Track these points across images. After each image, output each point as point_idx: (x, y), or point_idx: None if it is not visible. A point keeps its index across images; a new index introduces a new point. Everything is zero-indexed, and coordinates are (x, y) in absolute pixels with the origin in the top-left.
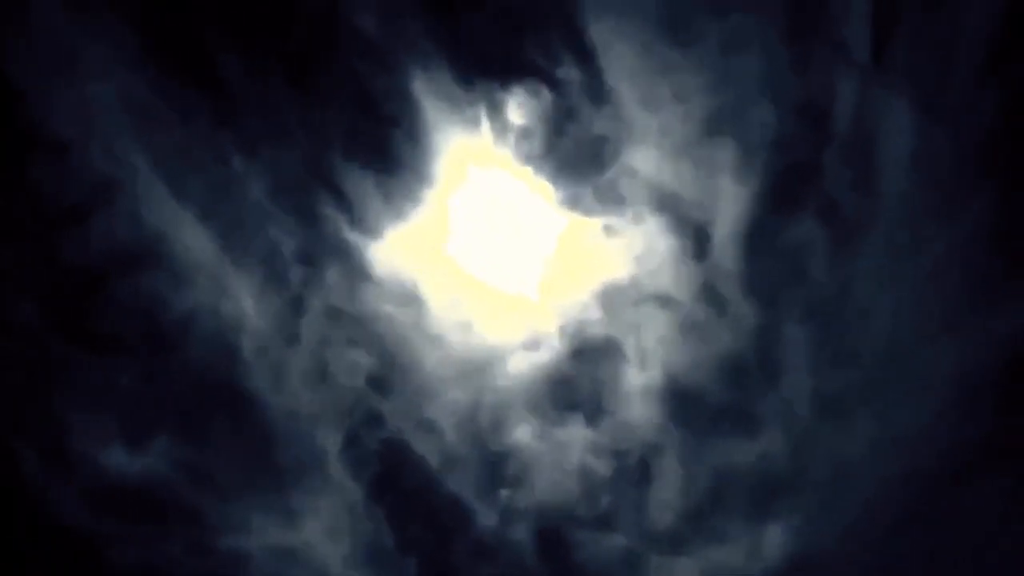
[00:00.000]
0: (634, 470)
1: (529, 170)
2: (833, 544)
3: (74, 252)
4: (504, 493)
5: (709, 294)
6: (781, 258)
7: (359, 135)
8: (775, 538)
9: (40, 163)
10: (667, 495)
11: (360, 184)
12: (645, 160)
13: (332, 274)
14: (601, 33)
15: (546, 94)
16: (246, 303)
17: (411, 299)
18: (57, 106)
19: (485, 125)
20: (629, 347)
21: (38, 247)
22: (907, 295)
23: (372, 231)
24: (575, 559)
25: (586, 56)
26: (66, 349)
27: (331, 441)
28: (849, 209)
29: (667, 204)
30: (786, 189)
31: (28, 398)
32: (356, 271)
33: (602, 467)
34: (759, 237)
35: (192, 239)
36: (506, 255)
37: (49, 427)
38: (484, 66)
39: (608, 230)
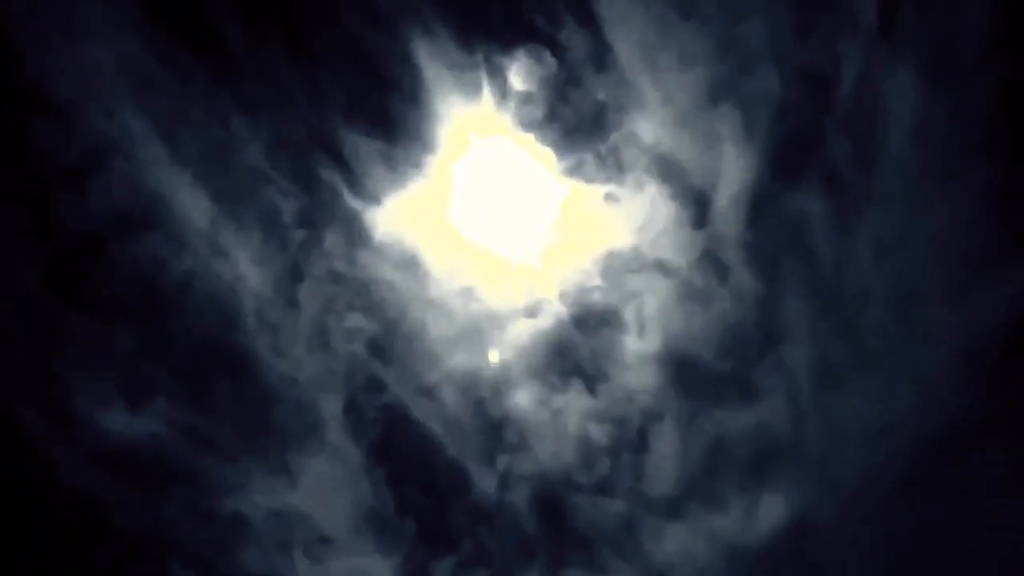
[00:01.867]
0: (633, 437)
1: (531, 137)
2: (830, 512)
3: (73, 215)
4: (503, 459)
5: (710, 262)
6: (782, 227)
7: (360, 99)
8: (772, 506)
9: (38, 126)
10: (665, 462)
11: (360, 149)
12: (647, 127)
13: (332, 239)
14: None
15: (549, 59)
16: (245, 267)
17: (412, 265)
18: (56, 69)
19: (487, 91)
20: (629, 315)
21: (37, 211)
22: (908, 266)
23: (373, 196)
24: (573, 524)
25: (589, 20)
26: (66, 312)
27: (331, 406)
28: (851, 178)
29: (669, 171)
30: (788, 157)
31: (29, 362)
32: (356, 236)
33: (601, 434)
34: (761, 205)
35: (191, 202)
36: (508, 222)
37: (50, 390)
38: (486, 30)
39: (609, 198)
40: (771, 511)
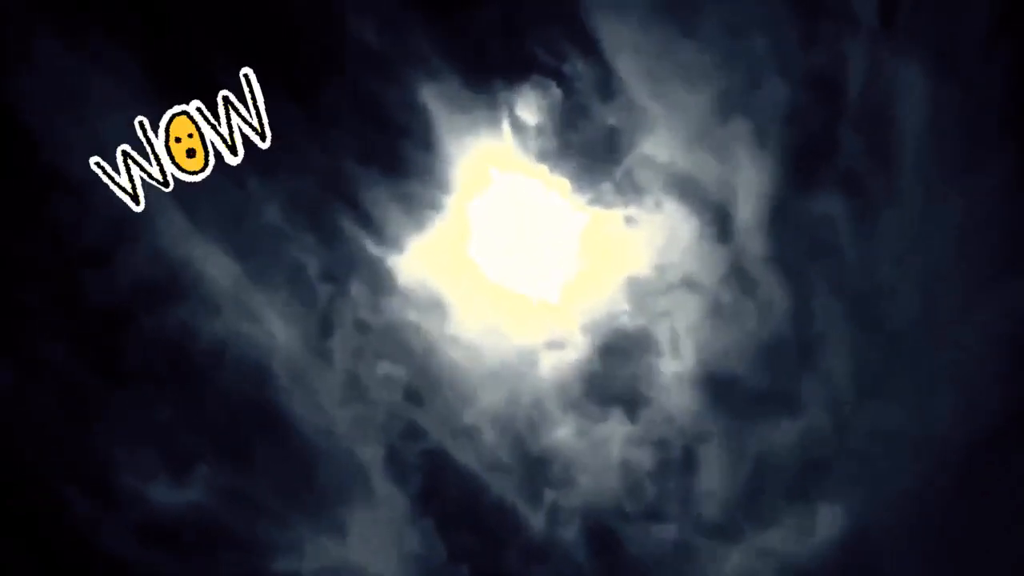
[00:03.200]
0: (678, 460)
1: (545, 168)
2: (886, 518)
3: (99, 291)
4: (550, 494)
5: (737, 276)
6: (806, 233)
7: (372, 149)
8: (827, 517)
9: (58, 205)
10: (713, 482)
11: (377, 197)
12: (660, 147)
13: (357, 289)
14: (603, 22)
15: (554, 90)
16: (275, 325)
17: (438, 308)
18: (69, 145)
19: (497, 127)
20: (661, 336)
21: (64, 288)
22: (937, 261)
23: (393, 243)
24: (627, 554)
25: (591, 48)
26: (101, 387)
27: (372, 456)
28: (870, 177)
29: (686, 189)
30: (805, 163)
31: (70, 438)
32: (381, 284)
33: (645, 459)
34: (782, 214)
35: (215, 267)
36: (529, 255)
37: (93, 466)
38: (490, 68)
39: (629, 221)
40: (826, 522)
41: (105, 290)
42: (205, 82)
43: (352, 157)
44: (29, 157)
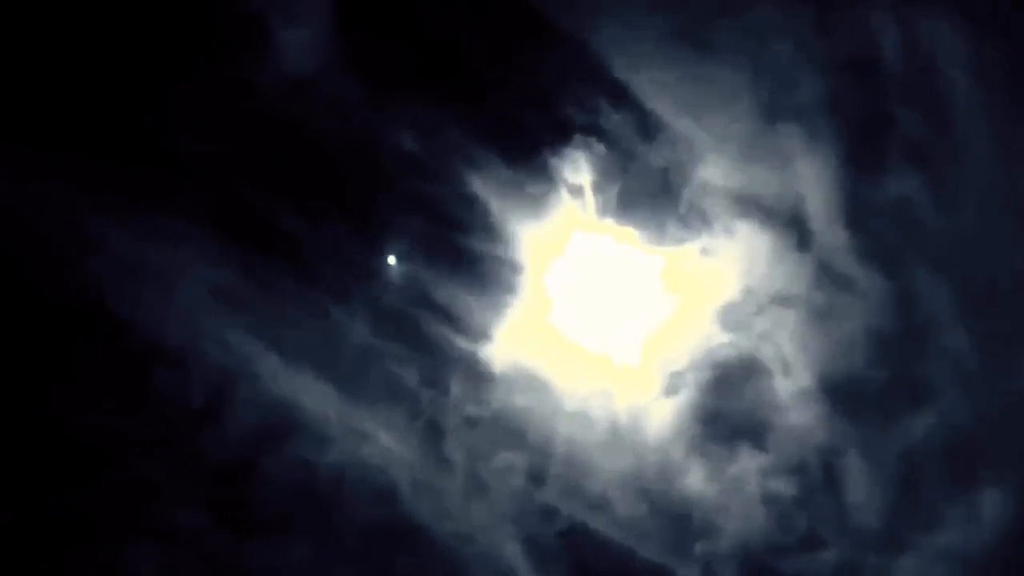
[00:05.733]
0: (820, 479)
1: (609, 222)
2: None
3: (215, 450)
4: (699, 545)
5: (828, 277)
6: (885, 217)
7: (437, 248)
8: (992, 503)
9: (160, 378)
10: (863, 494)
11: (454, 293)
12: (714, 171)
13: (457, 387)
14: (625, 65)
15: (597, 145)
16: (388, 441)
17: (539, 386)
18: (160, 322)
19: (552, 196)
20: (768, 359)
21: (183, 454)
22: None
23: (481, 334)
24: None
25: (620, 93)
26: (237, 542)
27: (512, 550)
28: (934, 146)
29: (752, 206)
30: (865, 149)
31: None
32: (478, 376)
33: (787, 487)
34: (856, 204)
35: (317, 398)
36: (615, 311)
37: None
38: (530, 142)
39: (705, 252)
40: (992, 507)
41: (221, 446)
42: (269, 230)
43: (420, 261)
44: (123, 339)
